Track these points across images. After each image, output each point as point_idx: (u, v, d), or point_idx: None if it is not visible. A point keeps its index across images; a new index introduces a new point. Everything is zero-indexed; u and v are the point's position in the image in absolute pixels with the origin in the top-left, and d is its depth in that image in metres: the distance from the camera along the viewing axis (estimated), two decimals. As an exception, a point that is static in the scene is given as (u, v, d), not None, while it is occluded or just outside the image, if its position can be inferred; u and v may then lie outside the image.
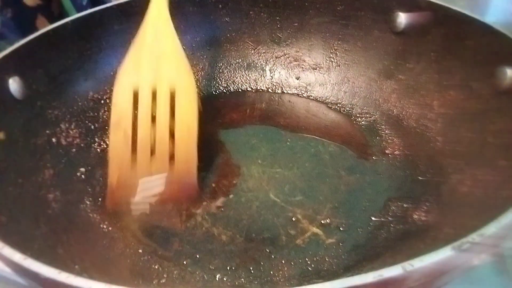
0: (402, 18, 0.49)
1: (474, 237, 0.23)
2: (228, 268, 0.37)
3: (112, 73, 0.53)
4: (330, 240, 0.39)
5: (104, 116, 0.51)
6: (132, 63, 0.42)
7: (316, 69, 0.57)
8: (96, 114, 0.50)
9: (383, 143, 0.48)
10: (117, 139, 0.41)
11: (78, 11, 0.66)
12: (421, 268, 0.22)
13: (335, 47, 0.56)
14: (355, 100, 0.53)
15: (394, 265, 0.22)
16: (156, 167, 0.41)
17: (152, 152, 0.41)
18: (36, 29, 0.44)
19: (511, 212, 0.25)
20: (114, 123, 0.41)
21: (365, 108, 0.52)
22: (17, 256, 0.24)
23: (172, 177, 0.41)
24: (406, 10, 0.48)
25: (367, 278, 0.21)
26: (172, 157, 0.41)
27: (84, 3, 0.71)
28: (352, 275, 0.34)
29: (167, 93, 0.41)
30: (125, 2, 0.52)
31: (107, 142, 0.49)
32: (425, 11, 0.47)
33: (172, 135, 0.41)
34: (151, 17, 0.44)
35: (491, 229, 0.24)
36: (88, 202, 0.42)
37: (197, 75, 0.58)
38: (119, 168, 0.41)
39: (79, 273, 0.33)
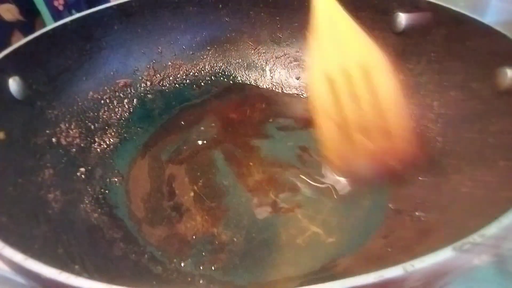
0: (403, 19, 0.49)
1: (475, 237, 0.23)
2: (228, 268, 0.37)
3: (112, 73, 0.53)
4: (330, 240, 0.39)
5: (104, 116, 0.51)
6: (318, 51, 0.42)
7: (316, 69, 0.57)
8: (96, 114, 0.50)
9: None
10: (328, 128, 0.40)
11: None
12: (422, 269, 0.22)
13: (335, 47, 0.56)
14: (355, 100, 0.53)
15: (395, 265, 0.22)
16: (371, 144, 0.41)
17: (363, 130, 0.41)
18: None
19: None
20: (321, 113, 0.40)
21: (365, 108, 0.52)
22: (18, 257, 0.24)
23: (389, 151, 0.41)
24: (407, 10, 0.48)
25: (368, 279, 0.21)
26: (385, 132, 0.41)
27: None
28: (353, 274, 0.34)
29: (362, 72, 0.41)
30: (125, 2, 0.52)
31: (107, 142, 0.49)
32: (426, 11, 0.47)
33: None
34: (320, 5, 0.43)
35: (492, 229, 0.24)
36: (88, 202, 0.42)
37: (198, 75, 0.58)
38: (335, 153, 0.41)
39: (79, 273, 0.33)
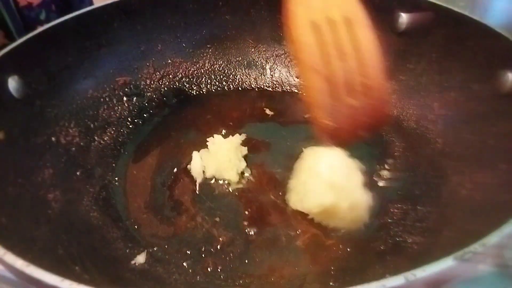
0: (404, 19, 0.49)
1: (476, 246, 0.23)
2: (228, 269, 0.37)
3: (111, 71, 0.53)
4: (330, 241, 0.39)
5: (104, 115, 0.50)
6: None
7: (316, 68, 0.57)
8: (95, 112, 0.50)
9: (383, 143, 0.48)
10: (311, 77, 0.38)
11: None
12: (423, 278, 0.22)
13: (336, 46, 0.55)
14: (356, 100, 0.53)
15: (395, 271, 0.22)
16: (351, 96, 0.39)
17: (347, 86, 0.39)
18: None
19: (512, 221, 0.25)
20: (303, 61, 0.38)
21: (365, 108, 0.52)
22: (19, 263, 0.24)
23: (367, 104, 0.39)
24: (408, 10, 0.48)
25: (370, 288, 0.21)
26: (366, 87, 0.39)
27: (43, 17, 0.68)
28: (352, 276, 0.34)
29: (344, 22, 0.39)
30: (125, 0, 0.51)
31: (107, 141, 0.49)
32: (427, 11, 0.47)
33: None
34: None
35: (493, 238, 0.24)
36: (88, 202, 0.42)
37: (197, 73, 0.57)
38: (321, 104, 0.38)
39: (80, 274, 0.33)
